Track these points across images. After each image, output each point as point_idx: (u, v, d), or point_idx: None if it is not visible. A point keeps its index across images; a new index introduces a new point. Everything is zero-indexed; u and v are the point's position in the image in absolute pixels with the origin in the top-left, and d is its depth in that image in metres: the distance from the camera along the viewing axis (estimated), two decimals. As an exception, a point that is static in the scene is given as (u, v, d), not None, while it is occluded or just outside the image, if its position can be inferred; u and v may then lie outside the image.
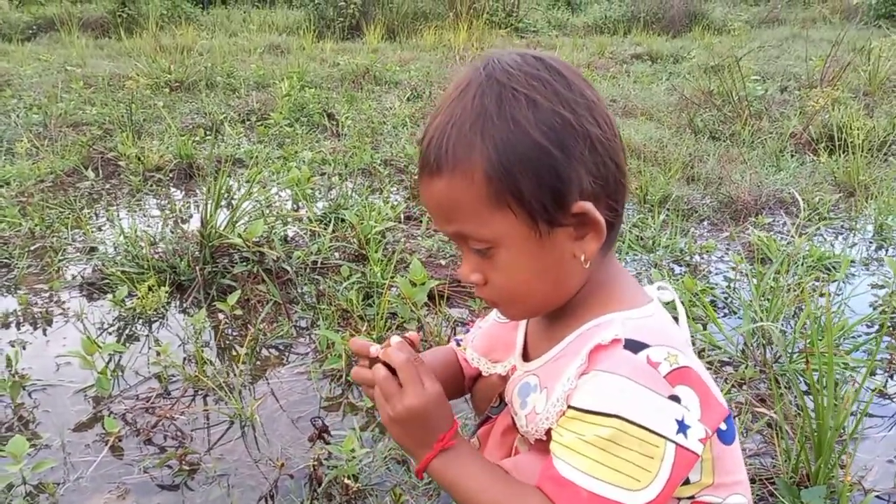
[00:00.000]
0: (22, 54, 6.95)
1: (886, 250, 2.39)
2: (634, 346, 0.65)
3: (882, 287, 2.08)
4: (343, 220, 2.41)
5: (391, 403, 0.71)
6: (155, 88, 5.31)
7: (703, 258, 2.29)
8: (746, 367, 1.60)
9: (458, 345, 0.96)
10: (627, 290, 0.74)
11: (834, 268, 2.17)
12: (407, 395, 0.70)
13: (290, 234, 2.32)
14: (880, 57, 5.41)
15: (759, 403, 1.47)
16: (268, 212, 2.41)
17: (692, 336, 1.63)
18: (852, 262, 2.23)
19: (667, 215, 2.59)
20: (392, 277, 1.90)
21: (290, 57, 7.35)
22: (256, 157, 3.28)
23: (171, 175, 3.06)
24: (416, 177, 3.02)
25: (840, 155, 3.34)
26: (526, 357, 0.80)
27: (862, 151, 3.32)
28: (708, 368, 1.25)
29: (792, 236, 2.43)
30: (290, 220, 2.38)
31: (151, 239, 2.26)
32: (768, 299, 1.83)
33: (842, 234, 2.56)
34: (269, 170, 3.18)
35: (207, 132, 3.93)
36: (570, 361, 0.68)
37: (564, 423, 0.66)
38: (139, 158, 3.15)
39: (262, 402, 1.51)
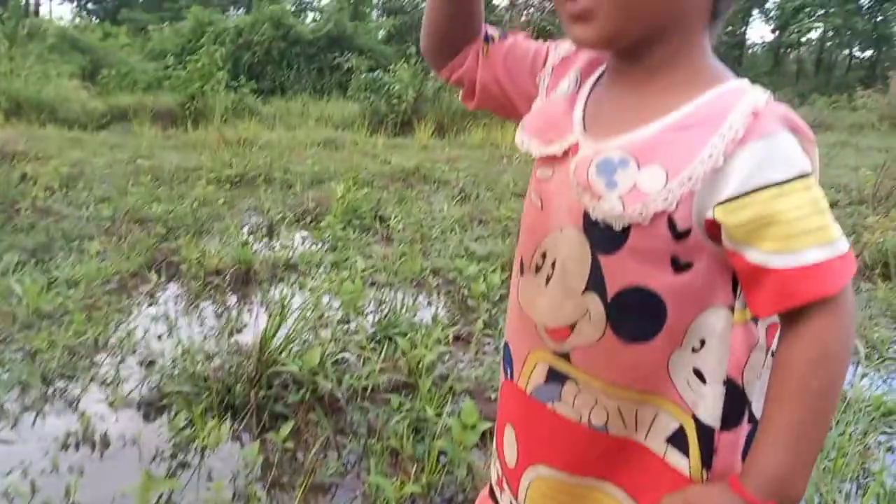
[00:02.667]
0: (95, 143, 7.43)
1: (953, 400, 2.30)
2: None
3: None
4: (392, 340, 2.45)
5: None
6: (217, 183, 5.57)
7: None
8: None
9: (486, 40, 0.84)
10: (731, 73, 0.68)
11: (898, 419, 2.09)
12: None
13: (341, 355, 2.37)
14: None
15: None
16: (322, 333, 2.46)
17: None
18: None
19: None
20: (440, 413, 1.91)
21: (343, 152, 7.69)
22: (310, 272, 3.37)
23: (228, 281, 3.17)
24: (464, 288, 3.08)
25: (896, 283, 3.28)
26: (591, 135, 0.70)
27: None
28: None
29: (850, 382, 2.36)
30: (341, 340, 2.42)
31: (208, 354, 2.33)
32: (830, 459, 1.77)
33: (904, 377, 2.48)
34: (321, 277, 3.28)
35: (264, 235, 4.09)
36: (704, 133, 0.61)
37: (753, 215, 0.59)
38: (199, 262, 3.29)
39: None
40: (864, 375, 2.41)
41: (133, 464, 1.76)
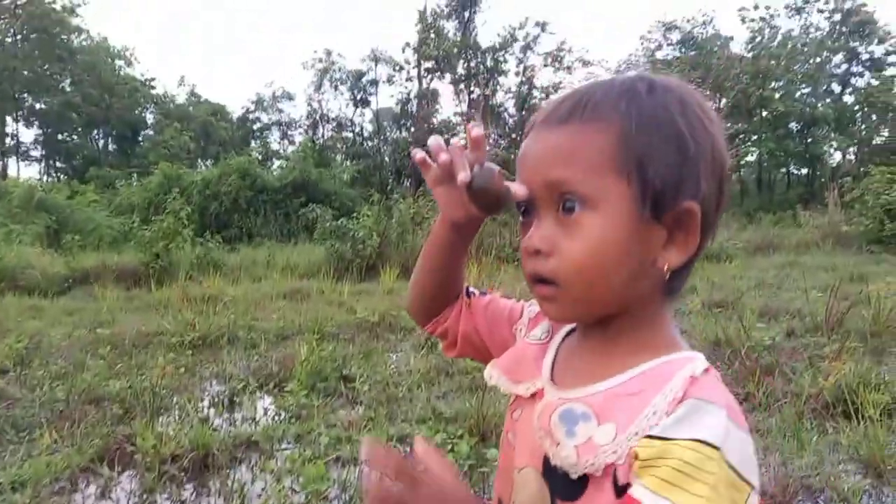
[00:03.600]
0: (55, 311, 7.33)
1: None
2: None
3: None
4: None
5: None
6: (179, 348, 5.49)
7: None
8: None
9: (468, 295, 0.92)
10: (683, 341, 0.71)
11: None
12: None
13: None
14: (881, 297, 5.57)
15: None
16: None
17: None
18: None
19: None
20: None
21: (309, 302, 7.71)
22: (272, 449, 3.27)
23: (186, 467, 3.04)
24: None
25: (859, 422, 3.31)
26: (556, 383, 0.74)
27: (881, 419, 3.29)
28: None
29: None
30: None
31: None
32: None
33: (880, 534, 2.44)
34: (283, 456, 3.17)
35: (225, 409, 3.99)
36: (650, 395, 0.64)
37: (655, 453, 0.59)
38: (155, 448, 3.17)
39: None
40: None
41: None
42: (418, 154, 0.79)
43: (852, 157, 28.27)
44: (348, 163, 25.38)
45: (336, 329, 6.12)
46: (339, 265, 9.67)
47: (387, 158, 28.83)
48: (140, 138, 34.28)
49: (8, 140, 32.13)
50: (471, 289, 0.93)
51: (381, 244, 9.80)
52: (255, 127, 34.46)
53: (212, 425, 3.63)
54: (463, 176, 0.71)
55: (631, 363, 0.69)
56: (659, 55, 29.79)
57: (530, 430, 0.72)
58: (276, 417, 3.80)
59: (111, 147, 34.55)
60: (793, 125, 27.50)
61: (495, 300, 0.92)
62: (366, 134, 31.00)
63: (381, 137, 29.86)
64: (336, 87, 30.18)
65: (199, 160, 30.96)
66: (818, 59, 27.37)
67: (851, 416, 3.40)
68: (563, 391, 0.72)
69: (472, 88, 27.93)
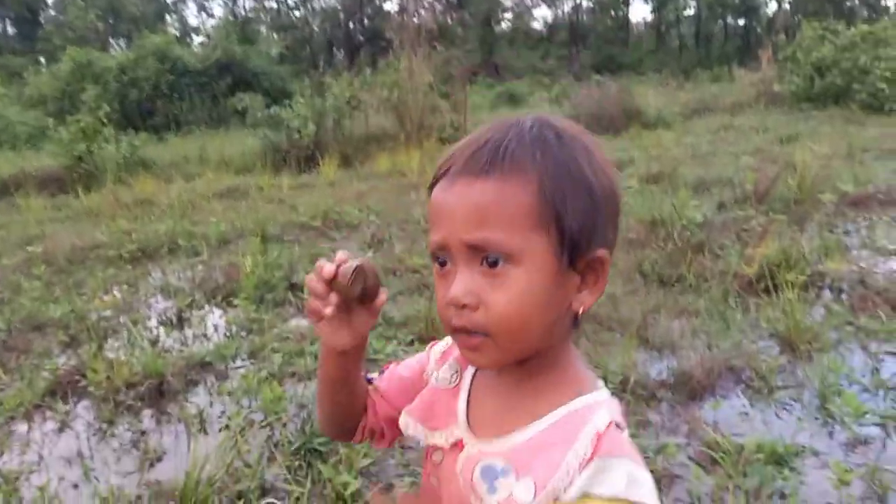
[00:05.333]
0: (-21, 227, 6.97)
1: (832, 427, 2.55)
2: (620, 428, 0.70)
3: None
4: (317, 453, 2.48)
5: None
6: (118, 262, 5.37)
7: (667, 463, 2.39)
8: None
9: (370, 383, 0.92)
10: (588, 371, 0.77)
11: (786, 461, 2.30)
12: None
13: (269, 480, 2.37)
14: (806, 166, 5.80)
15: None
16: (246, 454, 2.46)
17: None
18: (802, 450, 2.37)
19: (627, 401, 2.72)
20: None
21: (248, 200, 7.54)
22: (227, 370, 3.33)
23: (141, 397, 3.09)
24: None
25: (779, 297, 3.56)
26: (474, 430, 0.77)
27: (799, 294, 3.55)
28: None
29: (746, 413, 2.59)
30: (264, 465, 2.43)
31: (129, 502, 2.29)
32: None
33: (790, 408, 2.72)
34: (238, 375, 3.24)
35: (174, 326, 4.00)
36: (563, 450, 0.68)
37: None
38: (109, 378, 3.18)
39: None
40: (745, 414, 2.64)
41: None
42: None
43: (787, 5, 28.16)
44: (274, 35, 23.84)
45: (279, 230, 6.05)
46: (276, 157, 9.37)
47: (316, 29, 27.18)
48: (41, 19, 31.16)
49: None
50: (369, 376, 0.93)
51: (318, 133, 9.48)
52: (168, 0, 31.67)
53: (163, 348, 3.65)
54: (328, 311, 0.78)
55: (544, 408, 0.72)
56: None
57: (455, 480, 0.76)
58: (227, 334, 3.83)
59: (10, 31, 31.39)
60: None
61: (396, 372, 0.92)
62: (291, 3, 28.95)
63: (309, 7, 27.94)
64: (255, -50, 27.72)
65: (111, 40, 28.55)
66: None
67: (772, 293, 3.65)
68: (483, 442, 0.75)
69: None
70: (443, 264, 0.72)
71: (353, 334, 0.81)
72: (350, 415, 0.91)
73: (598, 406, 0.71)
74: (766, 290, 3.73)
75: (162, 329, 3.98)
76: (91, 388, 3.16)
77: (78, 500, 2.39)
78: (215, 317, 4.15)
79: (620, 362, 2.98)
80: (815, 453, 2.38)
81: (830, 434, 2.51)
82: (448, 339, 0.88)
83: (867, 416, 2.54)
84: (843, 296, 3.73)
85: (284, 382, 3.13)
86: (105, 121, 8.80)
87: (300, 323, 3.88)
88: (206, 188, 8.01)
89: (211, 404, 3.04)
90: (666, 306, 3.69)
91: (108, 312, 4.19)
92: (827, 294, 3.78)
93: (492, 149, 0.68)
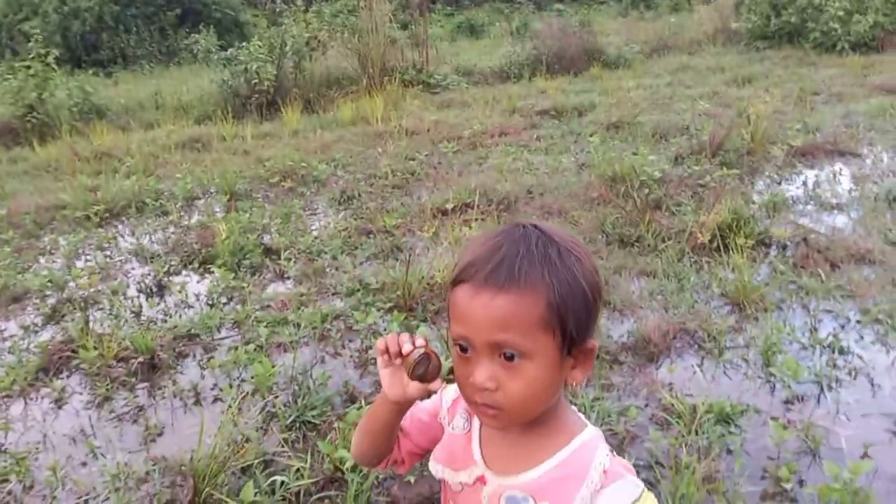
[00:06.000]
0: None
1: (774, 386, 2.86)
2: (612, 453, 0.93)
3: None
4: (311, 426, 2.69)
5: None
6: (86, 223, 5.36)
7: (629, 426, 2.67)
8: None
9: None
10: (576, 413, 0.98)
11: (732, 420, 2.61)
12: None
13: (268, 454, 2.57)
14: (758, 118, 6.03)
15: None
16: (245, 429, 2.65)
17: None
18: (746, 409, 2.67)
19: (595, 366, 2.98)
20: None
21: (211, 152, 7.45)
22: (213, 342, 3.46)
23: (134, 373, 3.23)
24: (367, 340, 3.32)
25: (730, 257, 3.84)
26: (491, 467, 0.97)
27: (747, 253, 3.83)
28: None
29: (699, 374, 2.88)
30: (263, 439, 2.63)
31: (139, 478, 2.48)
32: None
33: (738, 368, 3.02)
34: (226, 347, 3.40)
35: (155, 295, 4.09)
36: (577, 483, 0.89)
37: None
38: (100, 352, 3.30)
39: None
40: (698, 375, 2.93)
41: None
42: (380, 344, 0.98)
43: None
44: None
45: (247, 186, 6.06)
46: (236, 103, 9.18)
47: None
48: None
49: None
50: None
51: (279, 76, 9.27)
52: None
53: (148, 319, 3.76)
54: (386, 371, 1.00)
55: (550, 450, 0.94)
56: None
57: None
58: (209, 302, 3.95)
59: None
60: None
61: (416, 416, 1.12)
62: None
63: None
64: None
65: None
66: None
67: (723, 253, 3.93)
68: (502, 478, 0.95)
69: None
70: (464, 350, 0.90)
71: (403, 395, 1.00)
72: (383, 447, 1.13)
73: (594, 443, 0.94)
74: (718, 250, 4.00)
75: (143, 298, 4.07)
76: (83, 365, 3.28)
77: (89, 478, 2.56)
78: (194, 284, 4.24)
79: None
80: (758, 411, 2.69)
81: (772, 392, 2.83)
82: (454, 387, 1.07)
83: (804, 374, 2.85)
84: (788, 252, 4.04)
85: (271, 354, 3.30)
86: (56, 66, 8.44)
87: (278, 290, 4.02)
88: (168, 139, 7.84)
89: (202, 376, 3.21)
90: (626, 267, 3.94)
91: (86, 280, 4.24)
92: (773, 252, 4.07)
93: (508, 267, 0.85)
